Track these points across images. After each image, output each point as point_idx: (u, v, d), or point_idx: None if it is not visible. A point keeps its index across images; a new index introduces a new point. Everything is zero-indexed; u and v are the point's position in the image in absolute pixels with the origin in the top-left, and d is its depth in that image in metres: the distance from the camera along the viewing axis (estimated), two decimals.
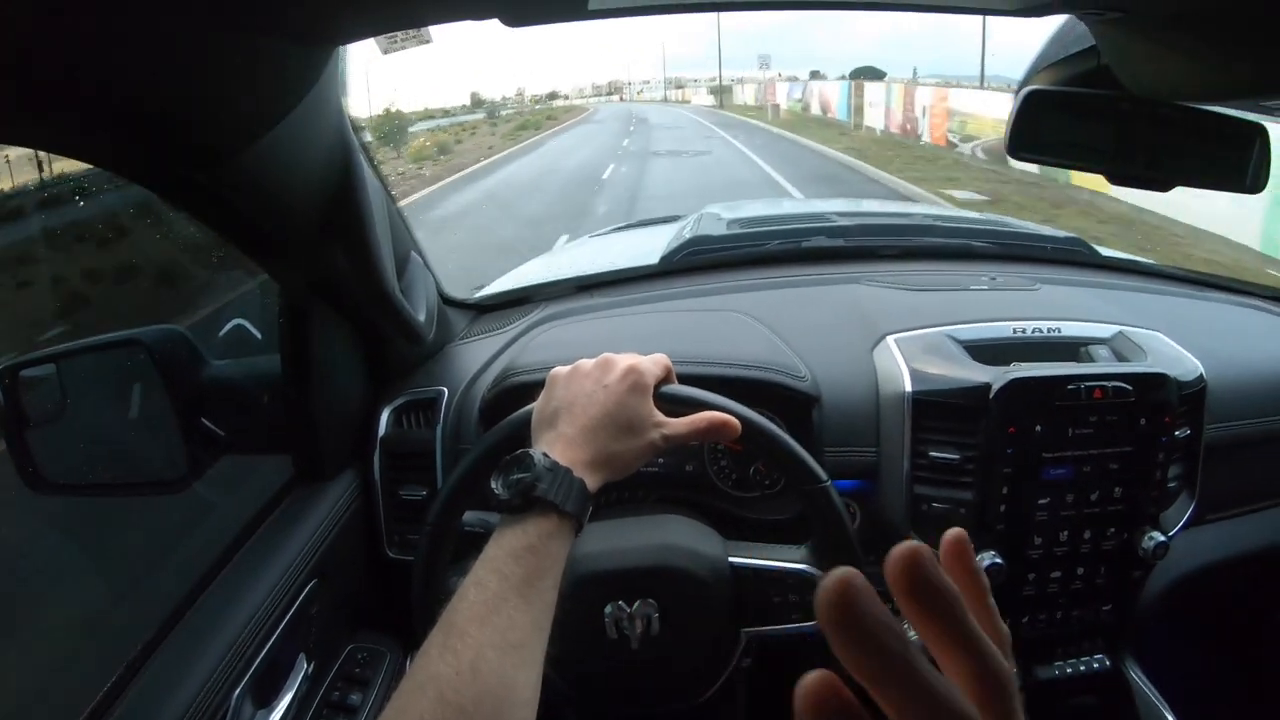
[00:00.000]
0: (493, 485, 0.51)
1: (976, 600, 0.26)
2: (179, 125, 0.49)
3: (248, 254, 0.69)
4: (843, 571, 0.20)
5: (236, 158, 0.54)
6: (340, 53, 0.60)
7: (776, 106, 22.94)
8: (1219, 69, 0.60)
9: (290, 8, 0.43)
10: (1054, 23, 0.76)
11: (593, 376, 0.57)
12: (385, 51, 0.61)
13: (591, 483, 0.52)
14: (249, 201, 0.60)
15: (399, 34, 0.58)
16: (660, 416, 0.57)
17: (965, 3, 0.57)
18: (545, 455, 0.51)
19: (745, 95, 32.74)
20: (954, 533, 0.27)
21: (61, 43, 0.37)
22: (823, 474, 0.63)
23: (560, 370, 0.59)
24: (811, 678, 0.20)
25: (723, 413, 0.59)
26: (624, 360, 0.58)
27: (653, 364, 0.59)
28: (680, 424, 0.57)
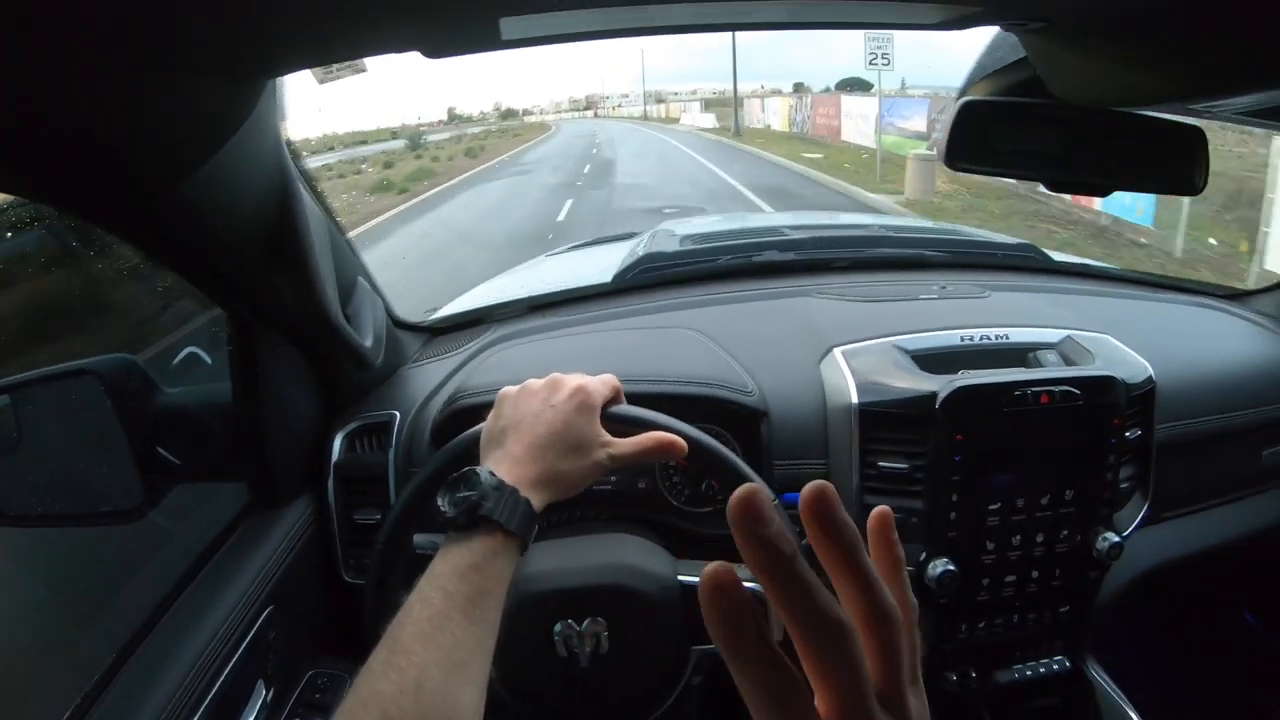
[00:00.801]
0: (439, 503, 0.51)
1: (892, 570, 0.30)
2: (112, 160, 0.49)
3: (191, 282, 0.69)
4: (751, 486, 0.24)
5: (173, 190, 0.54)
6: (277, 82, 0.61)
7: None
8: (1145, 75, 0.62)
9: (216, 45, 0.43)
10: (989, 33, 0.77)
11: (540, 396, 0.57)
12: (321, 81, 0.61)
13: (537, 501, 0.52)
14: (188, 232, 0.60)
15: (334, 66, 0.58)
16: (607, 436, 0.57)
17: (888, 18, 0.58)
18: (491, 474, 0.51)
19: (764, 114, 21.58)
20: (879, 510, 0.31)
21: None
22: (770, 491, 0.64)
23: (509, 390, 0.59)
24: (713, 566, 0.24)
25: (668, 432, 0.59)
26: (572, 380, 0.58)
27: (601, 384, 0.60)
28: (627, 444, 0.58)
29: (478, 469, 0.52)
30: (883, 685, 0.26)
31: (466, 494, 0.50)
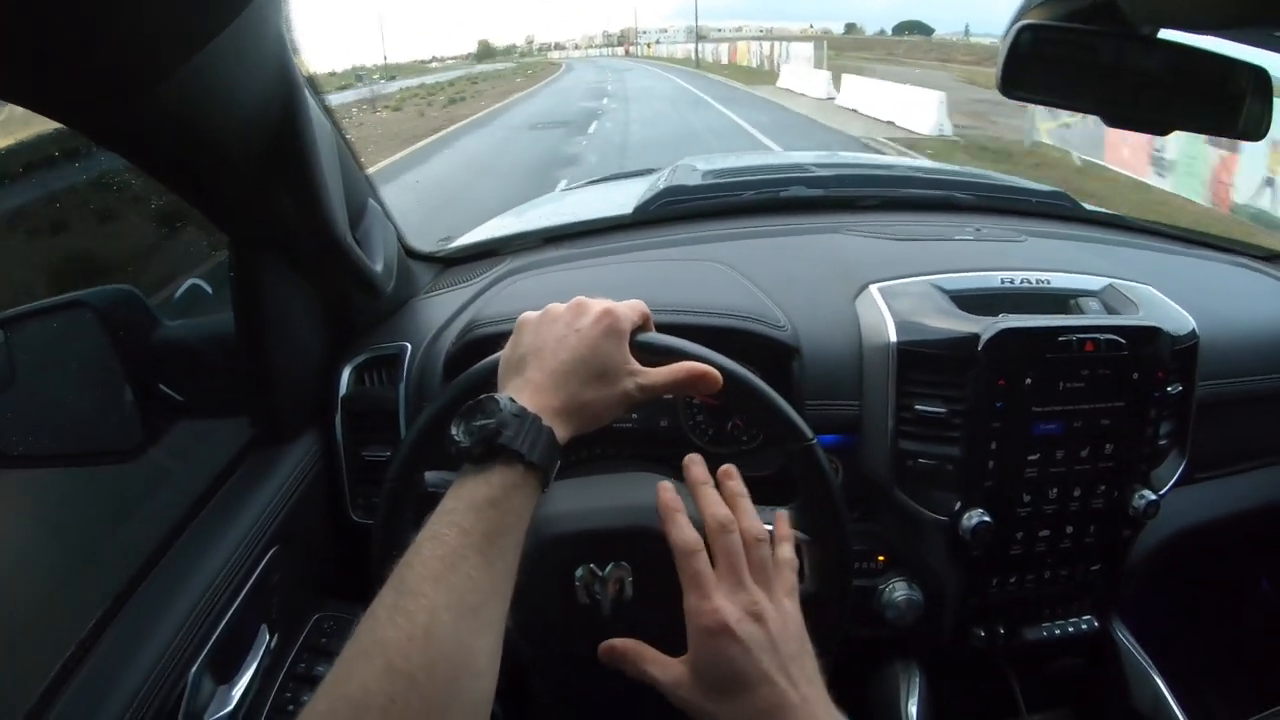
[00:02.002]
0: (452, 432, 0.46)
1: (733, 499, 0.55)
2: (85, 54, 0.44)
3: (185, 198, 0.64)
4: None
5: (156, 89, 0.49)
6: None
7: None
8: None
9: None
10: None
11: (564, 320, 0.52)
12: None
13: (561, 433, 0.48)
14: (177, 138, 0.55)
15: None
16: (636, 365, 0.53)
17: None
18: (512, 401, 0.47)
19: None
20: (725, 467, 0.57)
21: None
22: (809, 431, 0.60)
23: (530, 315, 0.54)
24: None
25: (703, 363, 0.55)
26: (598, 304, 0.53)
27: (629, 309, 0.55)
28: (658, 373, 0.53)
29: (496, 395, 0.47)
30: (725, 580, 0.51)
31: (484, 422, 0.45)
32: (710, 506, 0.53)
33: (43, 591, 0.86)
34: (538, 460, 0.45)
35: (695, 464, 0.56)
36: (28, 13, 0.38)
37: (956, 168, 2.17)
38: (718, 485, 0.56)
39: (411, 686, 0.36)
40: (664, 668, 0.52)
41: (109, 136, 0.55)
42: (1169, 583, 1.10)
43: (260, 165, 0.60)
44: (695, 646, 0.49)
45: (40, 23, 0.39)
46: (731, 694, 0.48)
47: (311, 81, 0.67)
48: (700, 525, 0.53)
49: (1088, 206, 1.30)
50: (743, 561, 0.51)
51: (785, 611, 0.50)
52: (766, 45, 27.13)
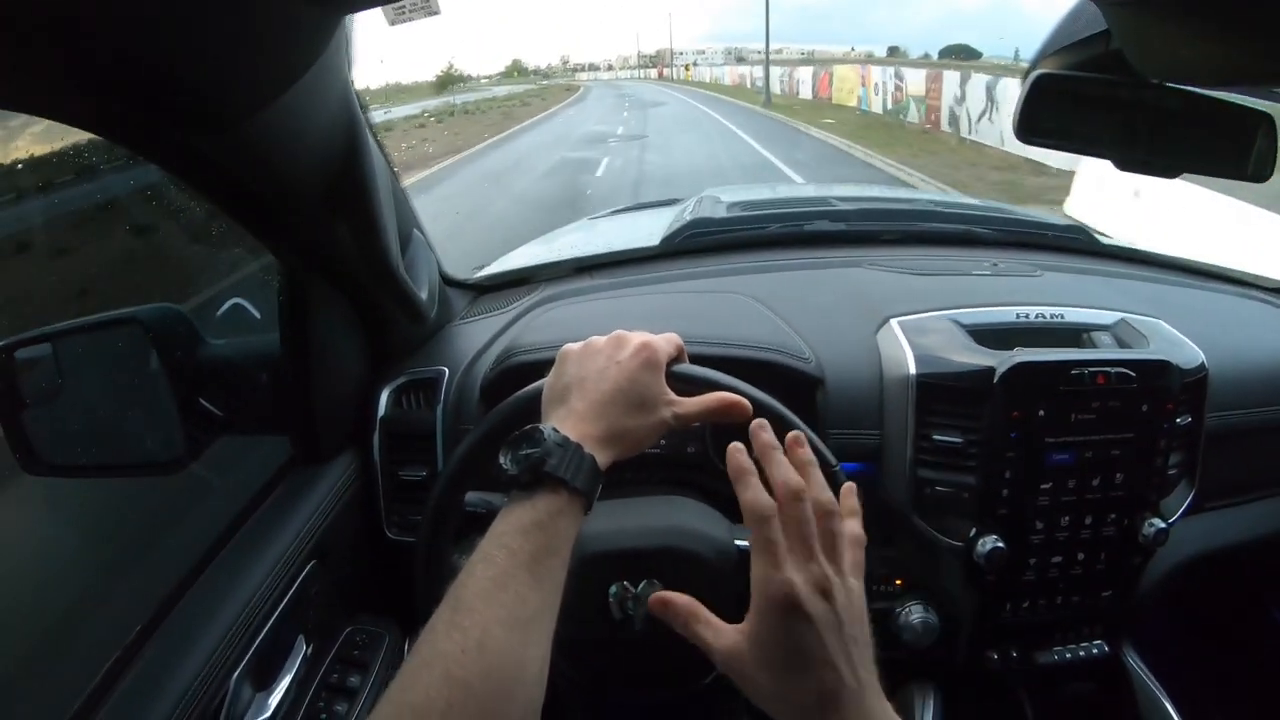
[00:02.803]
0: (501, 460, 0.49)
1: (803, 468, 0.52)
2: (182, 89, 0.48)
3: (248, 228, 0.68)
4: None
5: (240, 125, 0.53)
6: (348, 22, 0.59)
7: None
8: (1235, 52, 0.60)
9: None
10: (1065, 4, 0.76)
11: (605, 352, 0.56)
12: (392, 23, 0.60)
13: (602, 459, 0.51)
14: (251, 172, 0.59)
15: (405, 5, 0.57)
16: (671, 395, 0.56)
17: None
18: (555, 430, 0.50)
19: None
20: (793, 435, 0.55)
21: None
22: (834, 459, 0.63)
23: (572, 346, 0.58)
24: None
25: (735, 393, 0.58)
26: (637, 337, 0.57)
27: (665, 342, 0.58)
28: (692, 403, 0.57)
29: (541, 426, 0.51)
30: (795, 551, 0.48)
31: (530, 451, 0.49)
32: (783, 472, 0.51)
33: (89, 598, 0.89)
34: (581, 486, 0.49)
35: (763, 429, 0.53)
36: (125, 47, 0.42)
37: (976, 201, 2.19)
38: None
39: (468, 693, 0.40)
40: (718, 633, 0.49)
41: (182, 168, 0.59)
42: (1180, 610, 1.11)
43: (324, 198, 0.64)
44: (760, 618, 0.47)
45: (136, 58, 0.43)
46: (790, 671, 0.46)
47: (369, 121, 0.71)
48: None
49: (1103, 240, 1.32)
50: (814, 532, 0.49)
51: (851, 590, 0.48)
52: (887, 75, 14.56)
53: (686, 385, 0.59)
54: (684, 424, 0.57)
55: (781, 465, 0.51)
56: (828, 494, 0.51)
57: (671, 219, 1.35)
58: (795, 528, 0.48)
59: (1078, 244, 1.27)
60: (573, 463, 0.49)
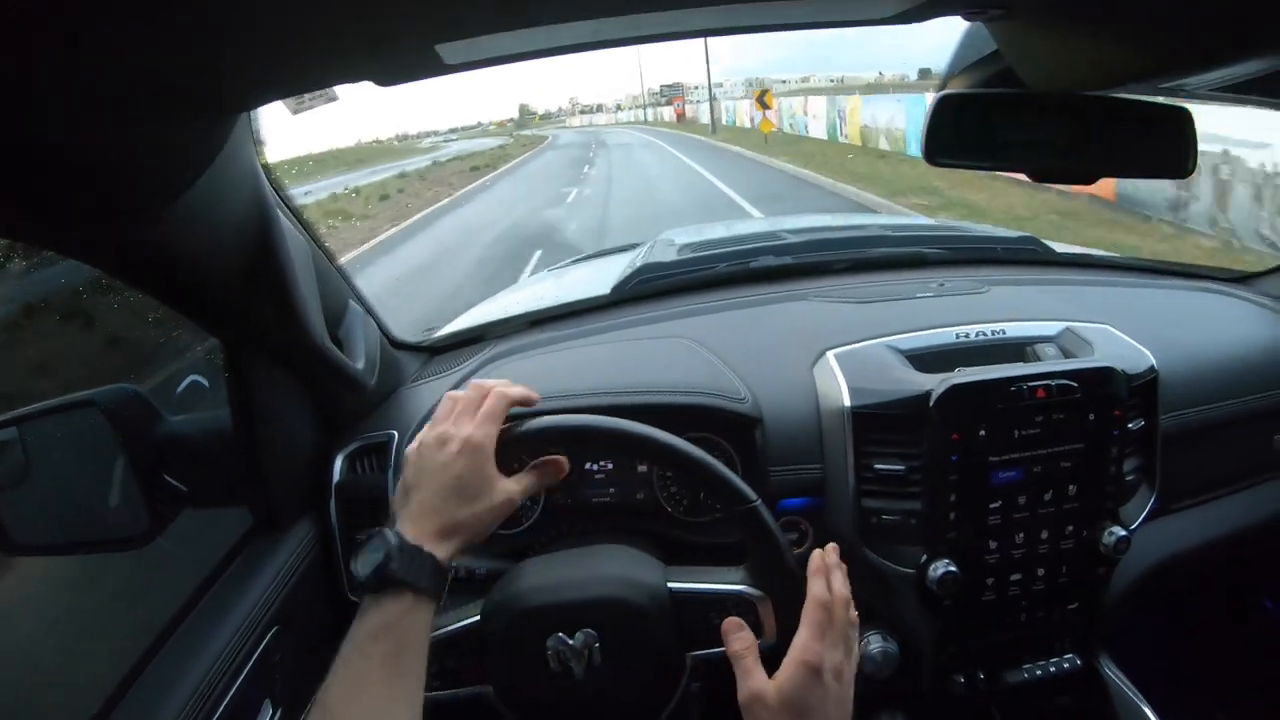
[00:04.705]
0: (352, 566, 0.54)
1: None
2: (86, 193, 0.50)
3: (182, 313, 0.70)
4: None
5: (150, 217, 0.55)
6: (251, 114, 0.62)
7: None
8: (1111, 55, 0.61)
9: (183, 80, 0.44)
10: (963, 27, 0.77)
11: (429, 450, 0.60)
12: (295, 112, 0.62)
13: (443, 554, 0.56)
14: (169, 258, 0.60)
15: (305, 97, 0.59)
16: (500, 479, 0.60)
17: (843, 15, 0.58)
18: (397, 534, 0.55)
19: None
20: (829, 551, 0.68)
21: None
22: (750, 494, 0.64)
23: (410, 447, 0.62)
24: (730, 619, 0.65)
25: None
26: (460, 432, 0.60)
27: (488, 418, 0.61)
28: (524, 477, 0.63)
29: (386, 530, 0.55)
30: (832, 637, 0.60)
31: (373, 556, 0.54)
32: (844, 588, 0.64)
33: (54, 672, 0.91)
34: (425, 585, 0.54)
35: (833, 552, 0.68)
36: (40, 156, 0.44)
37: (931, 221, 2.20)
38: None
39: None
40: (757, 676, 0.59)
41: (102, 259, 0.61)
42: (1152, 614, 1.10)
43: (241, 280, 0.66)
44: (790, 674, 0.58)
45: (43, 158, 0.45)
46: None
47: (286, 201, 0.73)
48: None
49: (1056, 248, 1.32)
50: (849, 632, 0.63)
51: (846, 682, 0.61)
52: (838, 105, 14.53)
53: (537, 444, 0.63)
54: (527, 494, 0.63)
55: (844, 582, 0.65)
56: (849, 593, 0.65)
57: (625, 265, 1.36)
58: (840, 625, 0.62)
59: (1028, 255, 1.27)
60: (414, 564, 0.54)
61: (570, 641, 0.66)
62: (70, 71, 0.37)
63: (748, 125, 22.32)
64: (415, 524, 0.56)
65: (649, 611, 0.67)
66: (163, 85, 0.43)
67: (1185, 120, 0.71)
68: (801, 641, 0.59)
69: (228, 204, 0.60)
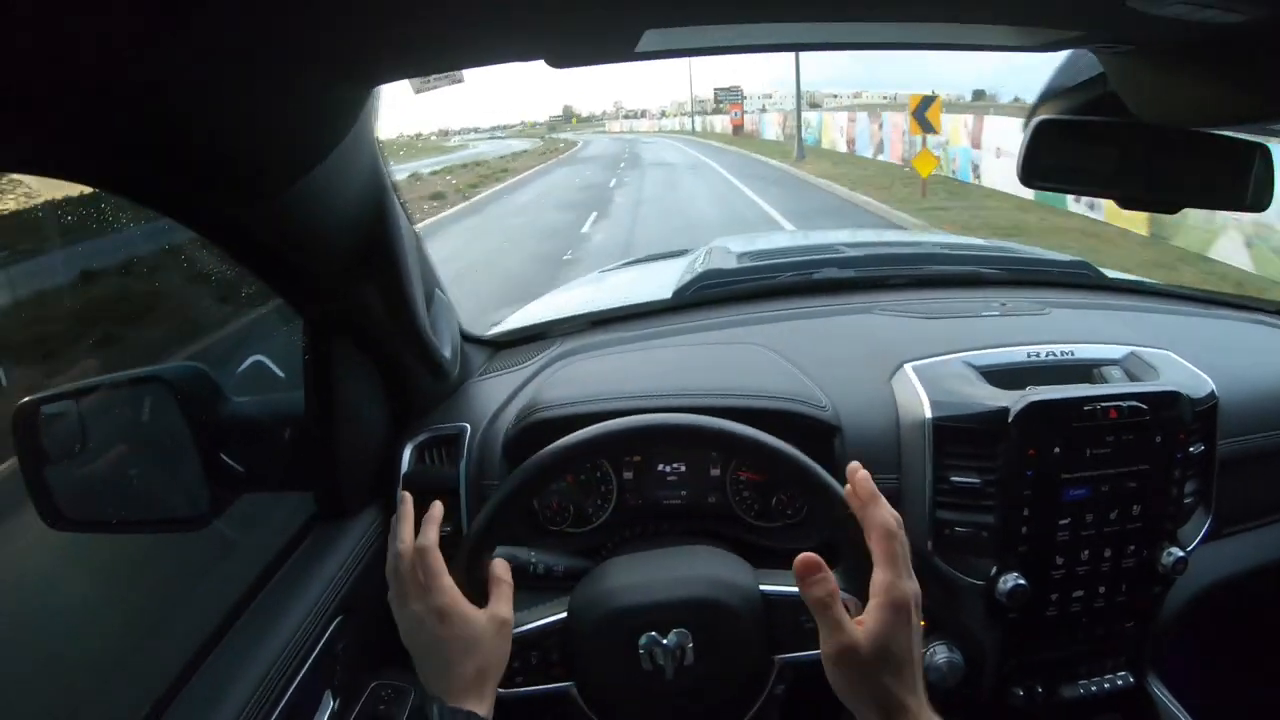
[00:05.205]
0: None
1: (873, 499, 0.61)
2: (222, 162, 0.49)
3: (278, 291, 0.69)
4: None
5: (276, 197, 0.54)
6: (375, 92, 0.61)
7: None
8: (1224, 96, 0.62)
9: (334, 48, 0.43)
10: (1063, 54, 0.78)
11: (416, 632, 0.65)
12: (417, 91, 0.62)
13: (485, 708, 0.61)
14: (285, 239, 0.60)
15: (432, 76, 0.59)
16: (484, 614, 0.64)
17: (989, 40, 0.59)
18: (439, 703, 0.60)
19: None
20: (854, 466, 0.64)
21: (108, 72, 0.36)
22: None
23: (396, 611, 0.67)
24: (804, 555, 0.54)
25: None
26: (427, 604, 0.65)
27: (437, 576, 0.65)
28: (495, 603, 0.66)
29: (433, 704, 0.60)
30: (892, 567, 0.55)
31: None
32: (888, 510, 0.59)
33: (116, 654, 0.89)
34: None
35: (862, 472, 0.62)
36: (170, 119, 0.43)
37: (980, 241, 2.22)
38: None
39: None
40: (847, 627, 0.53)
41: (217, 234, 0.61)
42: (1202, 636, 1.11)
43: (354, 261, 0.66)
44: (879, 618, 0.53)
45: (180, 130, 0.44)
46: (891, 667, 0.51)
47: (395, 186, 0.72)
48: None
49: (1109, 274, 1.34)
50: (909, 559, 0.57)
51: (920, 613, 0.57)
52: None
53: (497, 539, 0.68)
54: (510, 612, 0.66)
55: (886, 505, 0.60)
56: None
57: (682, 270, 1.37)
58: (906, 551, 0.57)
59: (1082, 279, 1.28)
60: None
61: (664, 641, 0.66)
62: (220, 29, 0.36)
63: (843, 148, 15.93)
64: (446, 691, 0.61)
65: (741, 613, 0.67)
66: (309, 49, 0.42)
67: (1265, 157, 0.73)
68: (885, 581, 0.54)
69: (350, 183, 0.60)
